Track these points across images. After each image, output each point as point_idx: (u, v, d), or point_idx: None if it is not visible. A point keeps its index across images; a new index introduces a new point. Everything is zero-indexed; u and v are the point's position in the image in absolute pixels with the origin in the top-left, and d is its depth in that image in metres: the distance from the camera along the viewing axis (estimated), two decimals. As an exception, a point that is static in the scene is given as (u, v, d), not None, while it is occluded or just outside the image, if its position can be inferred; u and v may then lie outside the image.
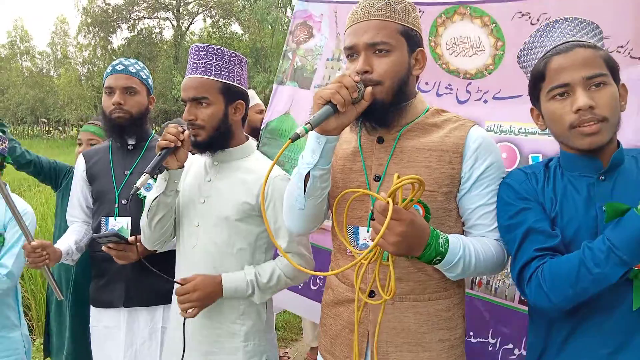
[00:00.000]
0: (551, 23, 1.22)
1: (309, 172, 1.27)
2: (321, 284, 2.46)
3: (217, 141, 1.64)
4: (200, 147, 1.64)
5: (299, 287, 2.53)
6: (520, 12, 1.89)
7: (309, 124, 1.14)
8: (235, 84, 1.65)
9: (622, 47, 1.71)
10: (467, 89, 2.01)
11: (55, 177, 2.86)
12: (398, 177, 1.09)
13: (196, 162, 1.75)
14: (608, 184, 1.19)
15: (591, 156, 1.19)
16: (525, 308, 1.78)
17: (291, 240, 1.62)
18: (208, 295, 1.56)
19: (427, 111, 1.36)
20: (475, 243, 1.25)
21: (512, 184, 1.29)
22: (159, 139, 1.56)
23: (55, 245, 1.89)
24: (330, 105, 1.17)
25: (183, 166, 1.61)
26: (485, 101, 1.98)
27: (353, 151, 1.39)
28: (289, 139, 1.11)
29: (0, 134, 2.17)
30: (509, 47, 1.91)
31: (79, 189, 2.05)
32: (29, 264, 1.80)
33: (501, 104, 1.93)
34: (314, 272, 1.20)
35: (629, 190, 1.16)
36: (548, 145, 1.81)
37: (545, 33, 1.24)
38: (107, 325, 1.95)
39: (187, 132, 1.59)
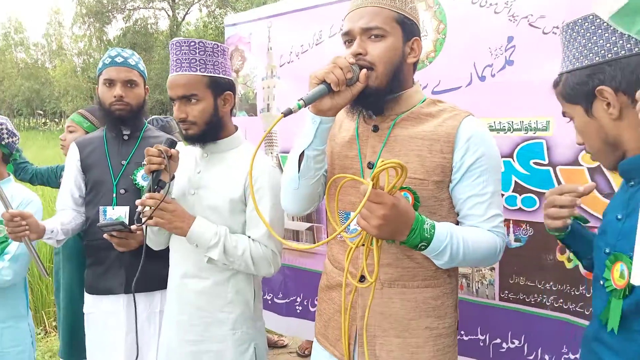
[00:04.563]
0: None
1: (303, 151, 1.30)
2: (305, 302, 2.51)
3: (209, 134, 1.66)
4: (193, 140, 1.66)
5: (283, 310, 2.58)
6: None
7: (302, 100, 1.14)
8: (221, 75, 1.65)
9: (557, 27, 1.67)
10: None
11: (55, 178, 3.06)
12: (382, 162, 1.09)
13: (186, 155, 1.76)
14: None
15: None
16: (506, 304, 1.87)
17: (269, 235, 1.61)
18: (176, 222, 1.56)
19: (423, 101, 1.37)
20: (465, 232, 1.24)
21: None
22: (144, 162, 1.57)
23: (42, 222, 1.87)
24: (324, 85, 1.19)
25: (174, 177, 1.63)
26: None
27: (350, 139, 1.41)
28: (282, 113, 1.12)
29: (12, 128, 2.17)
30: (450, 30, 1.93)
31: (72, 178, 2.03)
32: (8, 233, 1.74)
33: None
34: (289, 243, 1.20)
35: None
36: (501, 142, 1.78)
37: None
38: (106, 311, 1.97)
39: (173, 150, 1.60)
